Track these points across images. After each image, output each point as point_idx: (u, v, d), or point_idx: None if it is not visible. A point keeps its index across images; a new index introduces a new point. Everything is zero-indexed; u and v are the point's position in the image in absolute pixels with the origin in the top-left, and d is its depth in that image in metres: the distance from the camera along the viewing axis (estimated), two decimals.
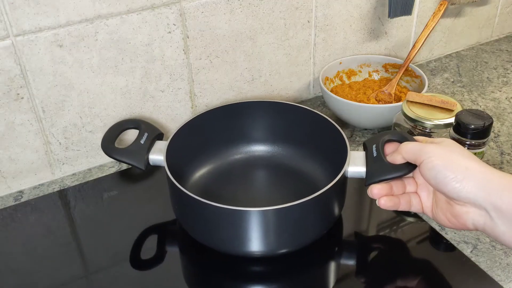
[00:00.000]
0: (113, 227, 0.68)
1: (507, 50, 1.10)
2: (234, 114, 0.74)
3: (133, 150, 0.66)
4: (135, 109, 0.77)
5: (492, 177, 0.51)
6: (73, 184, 0.75)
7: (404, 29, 0.98)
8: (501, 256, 0.62)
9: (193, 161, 0.73)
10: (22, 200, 0.73)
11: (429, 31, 0.86)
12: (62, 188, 0.75)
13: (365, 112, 0.80)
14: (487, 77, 1.00)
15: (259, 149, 0.77)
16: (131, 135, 0.77)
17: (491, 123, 0.65)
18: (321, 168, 0.72)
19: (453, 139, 0.66)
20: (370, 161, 0.61)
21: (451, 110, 0.70)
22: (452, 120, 0.68)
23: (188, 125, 0.70)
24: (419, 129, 0.70)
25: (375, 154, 0.61)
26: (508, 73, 1.01)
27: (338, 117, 0.86)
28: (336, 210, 0.63)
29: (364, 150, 0.63)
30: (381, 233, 0.66)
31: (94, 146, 0.77)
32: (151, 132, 0.68)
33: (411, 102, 0.72)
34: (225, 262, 0.62)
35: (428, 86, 0.96)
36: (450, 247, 0.63)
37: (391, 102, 0.85)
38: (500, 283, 0.58)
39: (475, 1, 0.98)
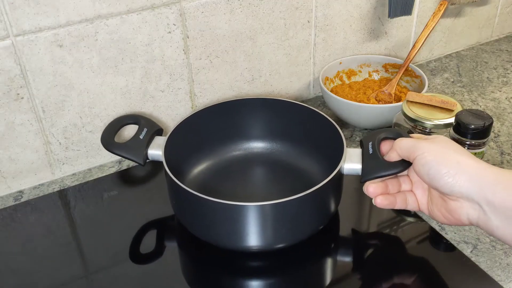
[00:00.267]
0: (113, 227, 0.68)
1: (507, 50, 1.10)
2: (232, 111, 0.75)
3: (132, 145, 0.66)
4: (135, 109, 0.77)
5: (485, 171, 0.52)
6: (73, 184, 0.76)
7: (404, 29, 0.98)
8: (501, 256, 0.62)
9: (191, 157, 0.73)
10: (22, 200, 0.73)
11: (429, 31, 0.86)
12: (62, 188, 0.75)
13: (365, 112, 0.80)
14: (487, 77, 1.00)
15: (257, 145, 0.77)
16: (131, 131, 0.77)
17: (491, 123, 0.65)
18: (317, 164, 0.72)
19: (453, 139, 0.66)
20: (366, 158, 0.61)
21: (451, 110, 0.70)
22: (452, 120, 0.68)
23: (187, 121, 0.70)
24: (419, 129, 0.70)
25: (371, 152, 0.61)
26: (508, 73, 1.01)
27: (338, 117, 0.86)
28: (332, 206, 0.63)
29: (360, 147, 0.64)
30: (379, 232, 0.66)
31: (94, 146, 0.77)
32: (150, 127, 0.69)
33: (411, 102, 0.72)
34: (223, 256, 0.62)
35: (428, 86, 0.96)
36: (450, 247, 0.63)
37: (391, 102, 0.85)
38: (500, 283, 0.58)
39: (475, 1, 0.98)
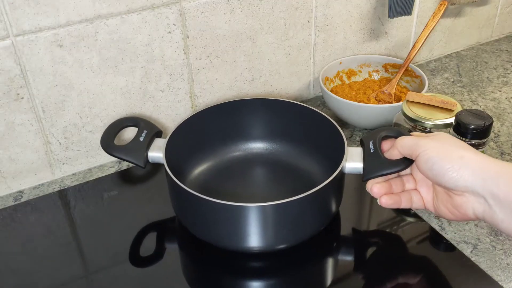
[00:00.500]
0: (113, 227, 0.68)
1: (507, 50, 1.10)
2: (232, 111, 0.75)
3: (132, 147, 0.66)
4: (135, 109, 0.77)
5: (488, 165, 0.52)
6: (73, 184, 0.76)
7: (404, 29, 0.98)
8: (501, 256, 0.62)
9: (192, 158, 0.73)
10: (22, 200, 0.73)
11: (429, 31, 0.86)
12: (62, 188, 0.75)
13: (365, 112, 0.80)
14: (487, 77, 1.00)
15: (257, 146, 0.77)
16: (130, 133, 0.77)
17: (491, 123, 0.65)
18: (318, 164, 0.72)
19: None
20: (367, 157, 0.61)
21: (451, 110, 0.70)
22: (452, 120, 0.68)
23: (187, 122, 0.70)
24: (419, 129, 0.70)
25: (372, 150, 0.61)
26: (508, 73, 1.01)
27: (338, 117, 0.86)
28: (334, 206, 0.63)
29: (361, 146, 0.64)
30: (379, 231, 0.66)
31: (94, 146, 0.77)
32: (150, 129, 0.69)
33: (411, 102, 0.72)
34: (224, 257, 0.62)
35: (428, 86, 0.96)
36: (450, 247, 0.63)
37: (391, 102, 0.85)
38: (500, 283, 0.58)
39: (475, 1, 0.98)
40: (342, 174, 0.62)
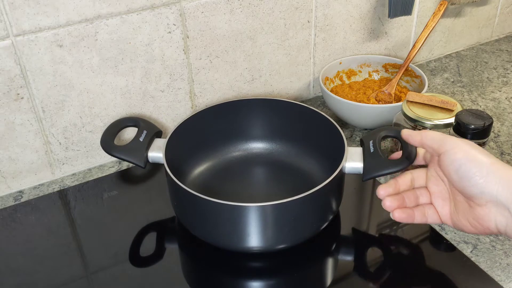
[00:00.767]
0: (113, 227, 0.68)
1: (507, 50, 1.10)
2: (232, 111, 0.75)
3: (132, 147, 0.66)
4: (135, 109, 0.77)
5: None
6: (73, 184, 0.76)
7: (404, 29, 0.98)
8: (501, 256, 0.62)
9: (192, 159, 0.73)
10: (22, 200, 0.73)
11: (429, 31, 0.86)
12: (62, 188, 0.75)
13: (365, 112, 0.80)
14: (487, 77, 1.00)
15: (257, 146, 0.77)
16: (130, 133, 0.78)
17: (491, 123, 0.65)
18: (318, 164, 0.72)
19: None
20: (367, 157, 0.61)
21: (451, 110, 0.70)
22: (452, 120, 0.68)
23: (187, 122, 0.70)
24: (419, 129, 0.70)
25: (372, 150, 0.61)
26: (508, 73, 1.01)
27: (338, 117, 0.86)
28: (334, 206, 0.63)
29: (361, 146, 0.64)
30: (379, 231, 0.66)
31: (94, 146, 0.77)
32: (150, 129, 0.69)
33: (411, 102, 0.72)
34: (224, 258, 0.62)
35: (428, 86, 0.96)
36: (450, 247, 0.63)
37: (391, 102, 0.85)
38: (500, 283, 0.58)
39: (475, 1, 0.98)
40: (342, 174, 0.62)
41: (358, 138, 0.83)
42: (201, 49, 0.78)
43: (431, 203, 0.58)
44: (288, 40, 0.86)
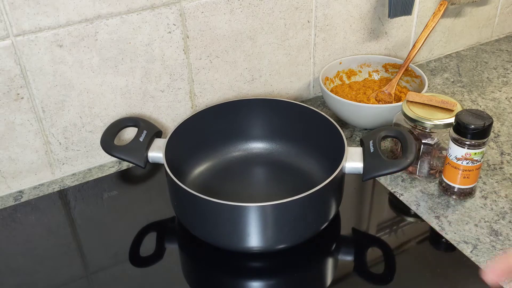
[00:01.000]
0: (113, 227, 0.68)
1: (507, 50, 1.09)
2: (232, 111, 0.75)
3: (132, 147, 0.66)
4: (135, 109, 0.77)
5: None
6: (73, 184, 0.75)
7: (404, 29, 0.98)
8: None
9: (192, 159, 0.73)
10: (22, 200, 0.73)
11: (429, 31, 0.86)
12: (62, 188, 0.75)
13: (365, 112, 0.80)
14: (487, 77, 1.00)
15: (257, 146, 0.77)
16: (130, 133, 0.78)
17: (491, 123, 0.65)
18: (318, 164, 0.72)
19: (453, 139, 0.66)
20: (367, 157, 0.61)
21: (451, 110, 0.70)
22: (452, 120, 0.68)
23: (187, 122, 0.70)
24: (419, 129, 0.70)
25: (372, 150, 0.61)
26: (508, 73, 1.01)
27: (338, 117, 0.86)
28: (334, 206, 0.63)
29: (361, 146, 0.64)
30: (379, 231, 0.66)
31: (94, 146, 0.77)
32: (150, 129, 0.69)
33: (411, 102, 0.72)
34: (224, 258, 0.62)
35: (428, 86, 0.96)
36: (450, 247, 0.63)
37: (391, 102, 0.85)
38: (500, 283, 0.58)
39: (475, 1, 0.98)
40: (342, 174, 0.62)
41: (358, 138, 0.83)
42: (201, 49, 0.78)
43: None
44: (288, 40, 0.86)
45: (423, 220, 0.67)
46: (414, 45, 0.87)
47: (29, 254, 0.64)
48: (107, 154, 0.75)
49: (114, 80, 0.73)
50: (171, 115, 0.81)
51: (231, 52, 0.81)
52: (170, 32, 0.74)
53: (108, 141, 0.67)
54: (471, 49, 1.10)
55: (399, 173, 0.74)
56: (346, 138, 0.67)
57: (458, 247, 0.63)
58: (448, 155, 0.68)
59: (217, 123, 0.74)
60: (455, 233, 0.65)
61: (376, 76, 0.93)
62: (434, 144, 0.71)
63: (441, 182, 0.71)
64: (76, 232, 0.68)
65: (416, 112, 0.70)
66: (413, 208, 0.69)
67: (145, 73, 0.75)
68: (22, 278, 0.61)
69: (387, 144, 0.80)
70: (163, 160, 0.63)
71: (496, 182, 0.73)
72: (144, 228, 0.67)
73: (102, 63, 0.71)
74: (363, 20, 0.92)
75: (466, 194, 0.70)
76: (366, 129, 0.85)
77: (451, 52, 1.09)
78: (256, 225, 0.57)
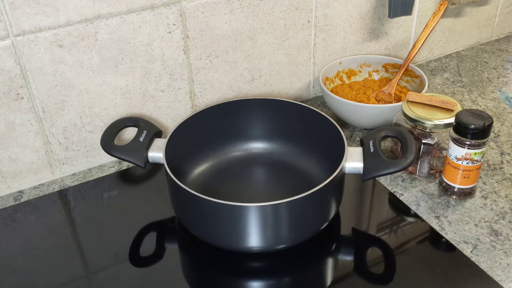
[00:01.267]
0: (113, 227, 0.68)
1: (507, 50, 1.09)
2: (232, 111, 0.75)
3: (132, 147, 0.66)
4: (135, 109, 0.77)
5: None
6: (73, 184, 0.75)
7: (404, 29, 0.98)
8: (501, 256, 0.62)
9: (192, 159, 0.73)
10: (22, 200, 0.73)
11: (429, 31, 0.86)
12: (62, 188, 0.75)
13: (365, 112, 0.80)
14: (487, 77, 1.00)
15: (257, 146, 0.77)
16: (130, 133, 0.78)
17: (491, 123, 0.65)
18: (318, 164, 0.72)
19: (453, 139, 0.66)
20: (367, 157, 0.61)
21: (451, 110, 0.70)
22: (452, 120, 0.68)
23: (187, 122, 0.70)
24: (419, 129, 0.70)
25: (372, 150, 0.61)
26: (508, 73, 1.01)
27: (338, 117, 0.86)
28: (334, 206, 0.63)
29: (361, 146, 0.64)
30: (379, 231, 0.66)
31: (94, 146, 0.77)
32: (150, 129, 0.69)
33: (411, 102, 0.72)
34: (224, 258, 0.62)
35: (428, 86, 0.96)
36: (450, 247, 0.63)
37: (391, 102, 0.85)
38: (500, 283, 0.58)
39: (475, 1, 0.98)
40: (342, 174, 0.62)
41: (358, 138, 0.83)
42: (201, 49, 0.78)
43: None
44: (288, 40, 0.86)
45: (423, 220, 0.67)
46: (414, 45, 0.87)
47: (29, 254, 0.64)
48: (107, 154, 0.75)
49: (114, 80, 0.73)
50: (171, 115, 0.81)
51: (231, 52, 0.81)
52: (170, 32, 0.74)
53: (108, 141, 0.67)
54: (471, 49, 1.10)
55: (399, 173, 0.74)
56: (346, 138, 0.67)
57: (458, 247, 0.63)
58: (448, 155, 0.68)
59: (217, 123, 0.74)
60: (455, 233, 0.65)
61: (376, 76, 0.93)
62: (434, 144, 0.71)
63: (441, 182, 0.71)
64: (76, 232, 0.68)
65: (416, 112, 0.70)
66: (413, 208, 0.69)
67: (145, 73, 0.75)
68: (22, 278, 0.61)
69: (387, 144, 0.80)
70: (163, 160, 0.63)
71: (496, 182, 0.73)
72: (144, 228, 0.67)
73: (102, 63, 0.71)
74: (363, 20, 0.92)
75: (466, 194, 0.70)
76: (366, 129, 0.85)
77: (451, 52, 1.09)
78: (256, 225, 0.57)
